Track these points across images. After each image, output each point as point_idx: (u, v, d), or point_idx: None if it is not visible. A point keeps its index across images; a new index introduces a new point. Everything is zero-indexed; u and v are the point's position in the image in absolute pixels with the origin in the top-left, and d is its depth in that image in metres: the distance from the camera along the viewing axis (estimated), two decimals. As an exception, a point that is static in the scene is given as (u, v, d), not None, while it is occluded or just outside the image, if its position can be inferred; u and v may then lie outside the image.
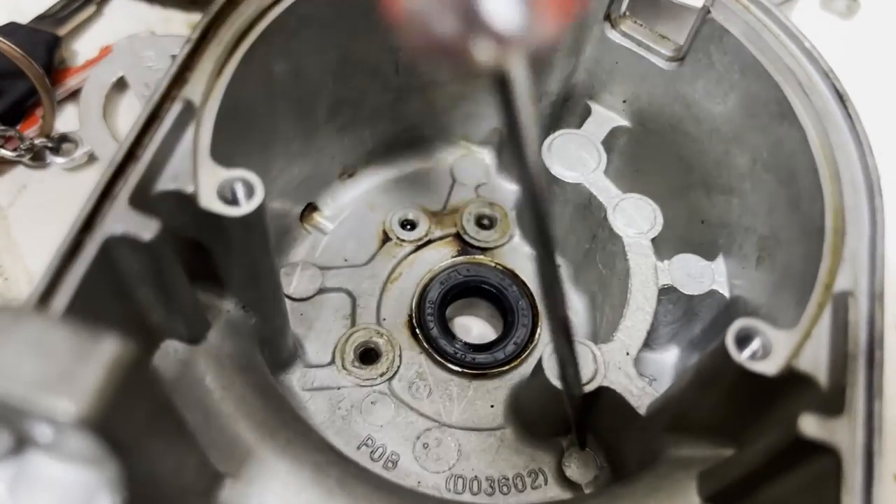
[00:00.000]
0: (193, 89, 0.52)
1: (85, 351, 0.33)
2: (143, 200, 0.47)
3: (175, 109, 0.50)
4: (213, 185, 0.49)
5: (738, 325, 0.48)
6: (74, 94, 0.88)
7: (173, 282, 0.50)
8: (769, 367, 0.48)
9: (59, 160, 0.83)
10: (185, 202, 0.49)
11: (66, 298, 0.43)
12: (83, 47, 0.93)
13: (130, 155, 0.48)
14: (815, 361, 0.48)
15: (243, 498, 0.50)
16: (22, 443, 0.39)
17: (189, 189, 0.48)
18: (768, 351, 0.48)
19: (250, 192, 0.49)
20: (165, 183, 0.49)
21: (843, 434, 0.43)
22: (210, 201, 0.48)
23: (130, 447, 0.37)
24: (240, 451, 0.52)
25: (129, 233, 0.45)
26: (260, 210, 0.49)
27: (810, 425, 0.43)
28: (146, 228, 0.45)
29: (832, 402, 0.45)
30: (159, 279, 0.48)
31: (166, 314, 0.52)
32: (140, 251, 0.46)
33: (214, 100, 0.53)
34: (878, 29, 1.05)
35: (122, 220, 0.45)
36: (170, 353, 0.54)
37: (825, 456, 0.43)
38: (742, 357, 0.47)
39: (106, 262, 0.45)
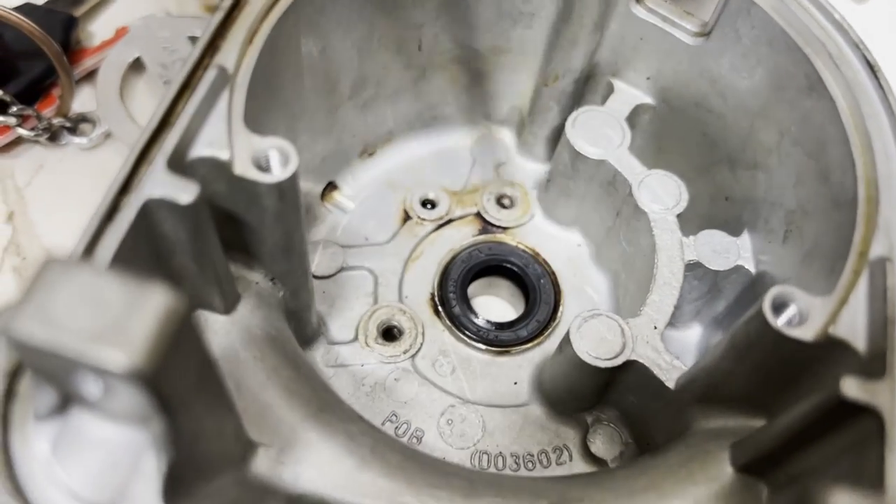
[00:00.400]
0: (226, 56, 0.52)
1: (136, 301, 0.33)
2: (181, 165, 0.47)
3: (209, 76, 0.50)
4: (248, 152, 0.48)
5: (774, 291, 0.48)
6: (91, 75, 0.88)
7: (209, 249, 0.49)
8: (806, 332, 0.47)
9: (77, 140, 0.83)
10: (220, 169, 0.48)
11: (109, 253, 0.42)
12: (99, 28, 0.93)
13: (165, 121, 0.48)
14: (853, 327, 0.47)
15: (277, 466, 0.50)
16: (67, 400, 0.39)
17: (224, 155, 0.48)
18: (805, 317, 0.48)
19: (285, 159, 0.49)
20: (201, 149, 0.48)
21: (886, 396, 0.43)
22: (245, 168, 0.48)
23: (178, 404, 0.37)
24: (272, 420, 0.52)
25: (168, 195, 0.44)
26: (293, 178, 0.49)
27: (852, 388, 0.43)
28: (185, 191, 0.45)
29: (873, 367, 0.45)
30: (195, 246, 0.48)
31: (200, 283, 0.51)
32: (179, 215, 0.45)
33: (247, 67, 0.53)
34: (893, 15, 1.05)
35: (162, 183, 0.45)
36: (202, 322, 0.54)
37: (867, 418, 0.43)
38: (779, 323, 0.47)
39: (145, 225, 0.45)
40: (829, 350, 0.47)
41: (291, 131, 0.66)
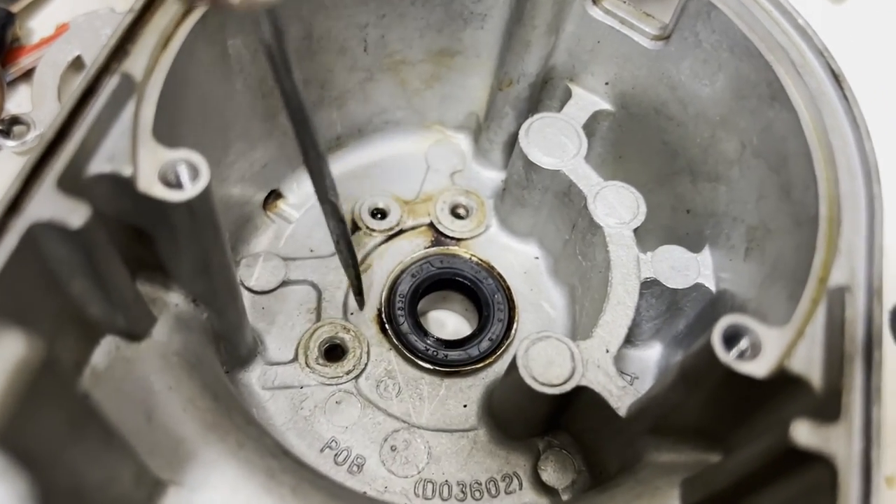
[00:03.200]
0: (134, 63, 0.48)
1: (-19, 355, 0.29)
2: (74, 184, 0.43)
3: (111, 84, 0.46)
4: (155, 166, 0.44)
5: (725, 322, 0.45)
6: (28, 74, 0.83)
7: (110, 273, 0.45)
8: (759, 368, 0.44)
9: (10, 143, 0.78)
10: (122, 186, 0.44)
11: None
12: (39, 24, 0.88)
13: (62, 134, 0.44)
14: (809, 362, 0.44)
15: (188, 508, 0.46)
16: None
17: (127, 171, 0.44)
18: (758, 350, 0.45)
19: (195, 174, 0.45)
20: (100, 164, 0.44)
21: (839, 442, 0.40)
22: (150, 185, 0.44)
23: (44, 459, 0.33)
24: (186, 455, 0.48)
25: (56, 219, 0.41)
26: (205, 194, 0.45)
27: (803, 433, 0.40)
28: (75, 214, 0.41)
29: (827, 407, 0.42)
30: (94, 270, 0.44)
31: (105, 308, 0.47)
32: (69, 239, 0.41)
33: (159, 75, 0.49)
34: (870, 14, 1.01)
35: (49, 205, 0.41)
36: (111, 349, 0.50)
37: (819, 465, 0.40)
38: (729, 357, 0.44)
39: (31, 251, 0.41)
40: (784, 386, 0.44)
41: (221, 138, 0.62)
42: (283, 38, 0.46)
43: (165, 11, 0.51)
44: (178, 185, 0.45)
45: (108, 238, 0.44)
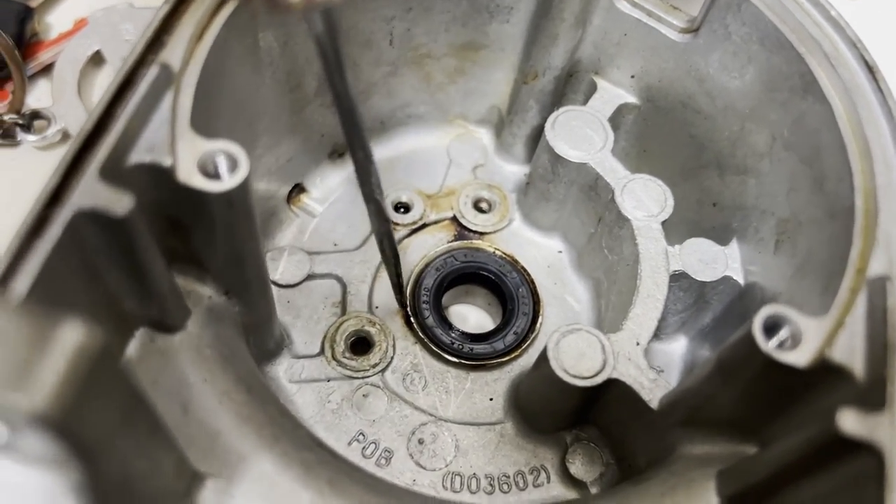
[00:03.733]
0: (172, 53, 0.48)
1: (43, 339, 0.29)
2: (116, 173, 0.43)
3: (151, 74, 0.45)
4: (194, 157, 0.44)
5: (765, 311, 0.44)
6: (48, 69, 0.83)
7: (149, 264, 0.45)
8: (799, 357, 0.44)
9: (31, 138, 0.78)
10: (161, 176, 0.44)
11: (27, 281, 0.38)
12: (57, 20, 0.88)
13: (101, 124, 0.44)
14: (851, 351, 0.44)
15: (226, 499, 0.46)
16: (-27, 442, 0.35)
17: (166, 162, 0.44)
18: (798, 340, 0.44)
19: (234, 165, 0.45)
20: (140, 154, 0.44)
21: (886, 431, 0.40)
22: (189, 175, 0.44)
23: (98, 448, 0.33)
24: (222, 448, 0.48)
25: (100, 207, 0.40)
26: (244, 186, 0.45)
27: (850, 421, 0.40)
28: (118, 203, 0.41)
29: (871, 397, 0.42)
30: (133, 260, 0.44)
31: (142, 300, 0.47)
32: (112, 228, 0.41)
33: (195, 65, 0.48)
34: (887, 10, 1.01)
35: (92, 194, 0.41)
36: (146, 342, 0.50)
37: (865, 455, 0.40)
38: (770, 346, 0.44)
39: (74, 241, 0.41)
40: (825, 376, 0.44)
41: (250, 132, 0.62)
42: (338, 38, 0.46)
43: (201, 2, 0.50)
44: (216, 175, 0.44)
45: (148, 228, 0.44)
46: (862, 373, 0.43)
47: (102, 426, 0.33)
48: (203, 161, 0.44)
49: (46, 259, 0.39)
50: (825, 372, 0.44)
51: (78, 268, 0.42)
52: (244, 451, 0.48)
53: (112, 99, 0.45)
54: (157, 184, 0.45)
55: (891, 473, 0.39)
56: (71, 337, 0.29)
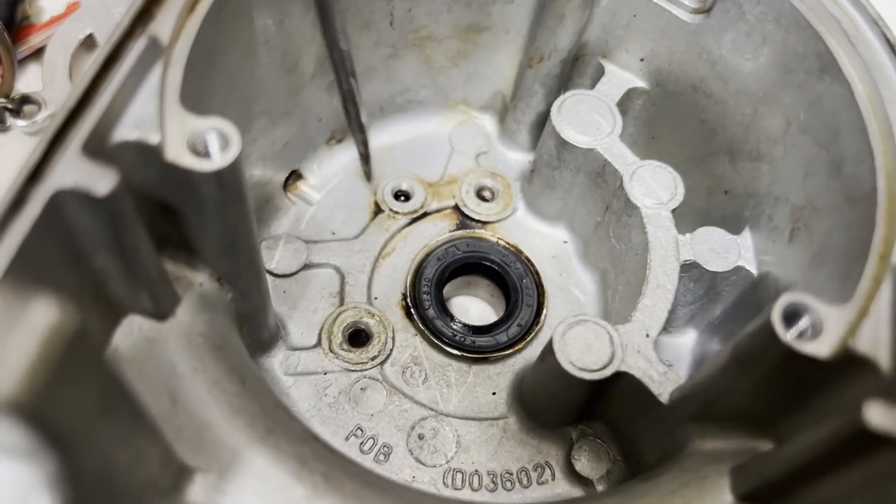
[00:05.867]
0: (161, 26, 0.45)
1: (13, 319, 0.27)
2: (100, 151, 0.40)
3: (138, 47, 0.43)
4: (183, 134, 0.42)
5: (785, 299, 0.42)
6: (38, 53, 0.81)
7: (135, 247, 0.43)
8: (821, 347, 0.42)
9: (21, 123, 0.76)
10: (149, 154, 0.42)
11: (3, 261, 0.36)
12: (49, 3, 0.86)
13: (85, 99, 0.41)
14: (875, 342, 0.42)
15: (216, 494, 0.44)
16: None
17: (154, 139, 0.42)
18: (819, 330, 0.42)
19: (225, 143, 0.42)
20: (126, 131, 0.42)
21: (916, 425, 0.37)
22: (178, 153, 0.42)
23: (75, 438, 0.31)
24: (212, 441, 0.46)
25: (82, 185, 0.38)
26: (236, 165, 0.42)
27: (877, 415, 0.37)
28: (101, 180, 0.38)
29: (897, 389, 0.39)
30: (119, 243, 0.42)
31: (129, 285, 0.45)
32: (95, 208, 0.39)
33: (186, 38, 0.46)
34: None
35: (74, 171, 0.39)
36: (134, 329, 0.47)
37: (893, 450, 0.37)
38: (791, 336, 0.41)
39: (56, 221, 0.39)
40: (847, 368, 0.42)
41: (244, 114, 0.60)
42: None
43: (192, -26, 0.48)
44: (206, 154, 0.42)
45: (135, 209, 0.42)
46: (888, 364, 0.41)
47: (79, 414, 0.31)
48: (193, 139, 0.42)
49: (25, 239, 0.37)
50: (848, 363, 0.42)
51: (60, 249, 0.40)
52: (235, 444, 0.46)
53: (97, 73, 0.43)
54: (145, 162, 0.42)
55: (921, 470, 0.37)
56: (43, 317, 0.27)
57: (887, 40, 0.52)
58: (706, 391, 0.50)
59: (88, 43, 0.81)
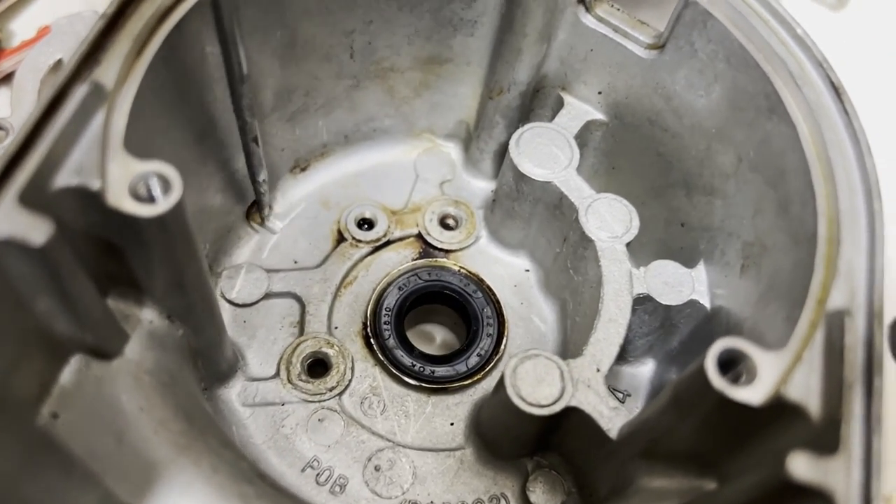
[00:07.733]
0: (106, 71, 0.46)
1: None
2: (39, 198, 0.41)
3: (79, 93, 0.43)
4: (125, 179, 0.42)
5: (719, 346, 0.43)
6: (8, 78, 0.82)
7: (77, 291, 0.43)
8: (754, 394, 0.42)
9: (-13, 149, 0.76)
10: (90, 200, 0.42)
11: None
12: (21, 27, 0.87)
13: (27, 145, 0.42)
14: (807, 389, 0.42)
15: (157, 537, 0.44)
16: None
17: (95, 185, 0.42)
18: (753, 375, 0.43)
19: (167, 187, 0.43)
20: (67, 177, 0.42)
21: (838, 476, 0.38)
22: (119, 199, 0.42)
23: (-6, 495, 0.31)
24: (157, 480, 0.46)
25: (16, 236, 0.38)
26: (178, 209, 0.43)
27: (801, 466, 0.38)
28: (36, 231, 0.39)
29: (825, 437, 0.40)
30: (59, 287, 0.42)
31: (74, 325, 0.45)
32: (31, 257, 0.39)
33: (132, 83, 0.46)
34: (871, 20, 1.00)
35: (9, 221, 0.39)
36: (81, 368, 0.48)
37: (818, 500, 0.38)
38: (723, 384, 0.42)
39: (-9, 269, 0.39)
40: (780, 414, 0.42)
41: (199, 149, 0.60)
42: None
43: (140, 16, 0.49)
44: (149, 198, 0.43)
45: (75, 254, 0.42)
46: (817, 412, 0.41)
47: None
48: (134, 183, 0.42)
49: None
50: (780, 409, 0.42)
51: (0, 295, 0.40)
52: (180, 484, 0.46)
53: (40, 118, 0.43)
54: (87, 208, 0.43)
55: (844, 520, 0.37)
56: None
57: (831, 83, 0.52)
58: (651, 429, 0.50)
59: (58, 68, 0.81)
